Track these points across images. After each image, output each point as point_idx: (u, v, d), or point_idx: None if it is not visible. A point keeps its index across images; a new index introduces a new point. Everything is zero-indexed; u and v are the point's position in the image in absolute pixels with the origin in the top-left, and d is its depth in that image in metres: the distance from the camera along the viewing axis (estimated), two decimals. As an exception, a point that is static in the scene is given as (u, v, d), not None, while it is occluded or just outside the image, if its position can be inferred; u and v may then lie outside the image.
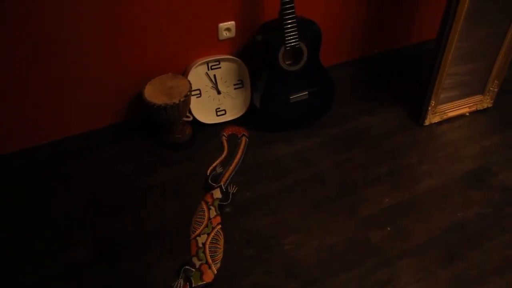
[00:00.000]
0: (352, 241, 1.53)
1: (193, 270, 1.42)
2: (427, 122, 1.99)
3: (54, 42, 1.61)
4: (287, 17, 1.66)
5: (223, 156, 1.82)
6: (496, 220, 1.61)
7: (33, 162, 1.81)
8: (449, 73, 1.88)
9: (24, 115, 1.74)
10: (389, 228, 1.58)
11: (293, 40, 1.71)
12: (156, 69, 1.84)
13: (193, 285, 1.38)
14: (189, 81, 1.79)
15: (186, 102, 1.75)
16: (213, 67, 1.89)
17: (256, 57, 1.87)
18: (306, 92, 1.86)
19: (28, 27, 1.54)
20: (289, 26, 1.68)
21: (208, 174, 1.74)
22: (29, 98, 1.71)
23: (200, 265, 1.44)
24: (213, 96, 1.94)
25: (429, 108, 1.95)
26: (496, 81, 2.03)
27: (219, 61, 1.88)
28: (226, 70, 1.91)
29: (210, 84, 1.92)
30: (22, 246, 1.51)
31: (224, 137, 1.91)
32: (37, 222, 1.59)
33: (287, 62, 1.78)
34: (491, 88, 2.05)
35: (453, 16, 1.69)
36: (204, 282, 1.40)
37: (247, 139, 1.89)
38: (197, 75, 1.87)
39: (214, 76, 1.91)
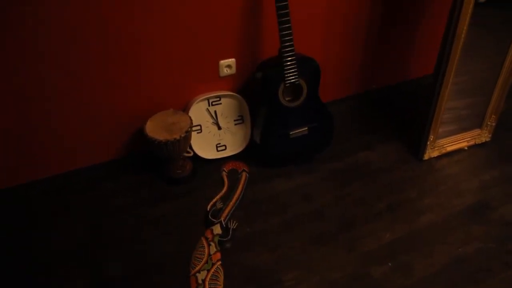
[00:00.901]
0: (353, 277, 1.52)
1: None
2: (426, 157, 2.00)
3: (55, 78, 1.64)
4: (286, 54, 1.70)
5: (223, 191, 1.83)
6: (499, 255, 1.59)
7: (33, 196, 1.81)
8: (447, 108, 1.90)
9: (25, 150, 1.76)
10: (390, 264, 1.56)
11: (293, 77, 1.74)
12: (157, 105, 1.87)
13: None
14: (190, 117, 1.81)
15: (187, 138, 1.76)
16: (213, 103, 1.91)
17: (256, 93, 1.90)
18: (306, 128, 1.88)
19: (29, 63, 1.58)
20: (288, 63, 1.71)
21: (208, 209, 1.74)
22: (31, 133, 1.73)
23: (200, 302, 1.42)
24: (213, 132, 1.96)
25: (428, 143, 1.96)
26: (493, 116, 2.05)
27: (219, 97, 1.92)
28: (226, 106, 1.94)
29: (211, 120, 1.94)
30: (20, 280, 1.50)
31: (224, 173, 1.91)
32: (36, 255, 1.58)
33: (286, 98, 1.81)
34: (488, 123, 2.07)
35: (449, 51, 1.72)
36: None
37: (247, 175, 1.90)
38: (198, 111, 1.90)
39: (215, 112, 1.93)
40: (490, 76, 1.96)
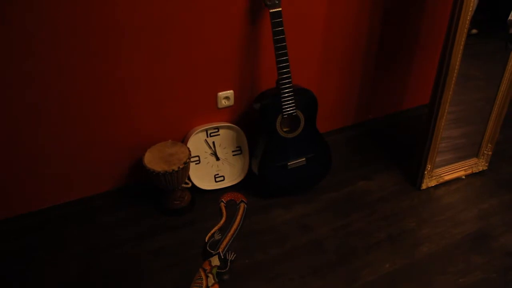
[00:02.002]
0: (353, 310, 1.50)
1: None
2: (424, 186, 2.01)
3: (50, 109, 1.66)
4: (284, 86, 1.73)
5: (221, 222, 1.82)
6: (501, 286, 1.58)
7: (28, 228, 1.79)
8: (443, 137, 1.92)
9: (20, 181, 1.76)
10: (390, 296, 1.55)
11: (290, 108, 1.76)
12: (156, 136, 1.88)
13: None
14: (188, 148, 1.82)
15: (186, 169, 1.77)
16: (212, 134, 1.93)
17: (254, 124, 1.92)
18: (304, 159, 1.89)
19: (25, 95, 1.60)
20: (286, 94, 1.74)
21: (206, 241, 1.73)
22: (28, 164, 1.73)
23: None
24: (212, 163, 1.96)
25: (425, 172, 1.97)
26: (489, 145, 2.07)
27: (218, 128, 1.93)
28: (225, 137, 1.95)
29: (209, 151, 1.95)
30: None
31: (222, 203, 1.91)
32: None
33: (284, 129, 1.83)
34: (485, 152, 2.09)
35: (444, 82, 1.75)
36: None
37: (245, 205, 1.90)
38: (197, 142, 1.91)
39: (213, 143, 1.94)
40: (484, 105, 1.99)
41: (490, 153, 2.10)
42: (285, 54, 1.68)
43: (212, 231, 1.77)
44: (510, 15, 1.94)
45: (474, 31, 1.92)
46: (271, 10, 1.63)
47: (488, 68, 1.95)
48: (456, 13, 1.62)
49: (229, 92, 1.93)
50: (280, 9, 1.64)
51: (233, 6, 1.73)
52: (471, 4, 1.61)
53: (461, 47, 1.69)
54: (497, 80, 1.91)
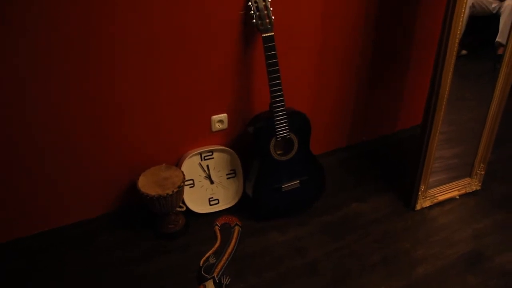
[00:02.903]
0: (349, 334, 1.49)
1: None
2: (418, 207, 2.01)
3: (49, 134, 1.67)
4: (277, 109, 1.74)
5: (216, 246, 1.81)
6: (496, 307, 1.58)
7: (25, 252, 1.78)
8: (436, 157, 1.94)
9: (16, 204, 1.75)
10: (387, 319, 1.54)
11: (284, 131, 1.78)
12: (150, 159, 1.88)
13: None
14: (182, 172, 1.82)
15: (180, 193, 1.77)
16: (206, 158, 1.93)
17: (248, 147, 1.93)
18: (298, 181, 1.90)
19: (22, 118, 1.60)
20: (279, 117, 1.75)
21: (201, 265, 1.72)
22: (22, 188, 1.73)
23: None
24: (206, 186, 1.96)
25: (419, 193, 1.98)
26: (482, 165, 2.08)
27: (212, 151, 1.94)
28: (219, 160, 1.95)
29: (203, 174, 1.95)
30: None
31: (217, 227, 1.90)
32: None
33: (278, 152, 1.84)
34: (478, 171, 2.10)
35: (436, 102, 1.77)
36: None
37: (240, 229, 1.89)
38: (191, 166, 1.91)
39: (207, 166, 1.95)
40: (476, 125, 2.01)
41: (482, 173, 2.11)
42: (278, 78, 1.70)
43: (207, 255, 1.76)
44: (497, 37, 1.98)
45: (463, 52, 1.95)
46: (264, 35, 1.66)
47: (478, 89, 1.98)
48: (445, 36, 1.65)
49: (223, 116, 1.95)
50: (272, 33, 1.67)
51: (227, 31, 1.76)
52: (460, 27, 1.64)
53: (451, 68, 1.71)
54: (487, 100, 1.94)
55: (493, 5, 2.06)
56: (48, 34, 1.48)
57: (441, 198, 2.06)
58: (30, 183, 1.73)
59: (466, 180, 2.12)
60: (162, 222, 1.84)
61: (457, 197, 2.10)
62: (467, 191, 2.12)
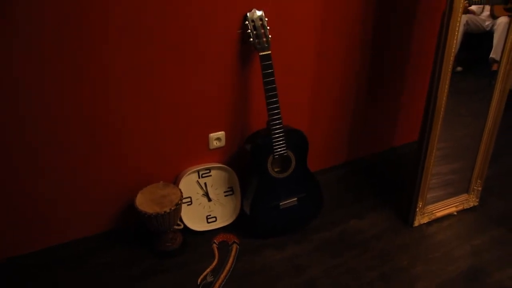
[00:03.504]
0: None
1: None
2: (416, 223, 2.01)
3: (49, 153, 1.67)
4: (274, 127, 1.75)
5: (214, 264, 1.80)
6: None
7: (21, 272, 1.76)
8: (433, 173, 1.94)
9: (12, 223, 1.74)
10: (386, 337, 1.53)
11: (281, 149, 1.78)
12: (147, 177, 1.88)
13: None
14: (180, 189, 1.82)
15: (177, 210, 1.76)
16: (203, 175, 1.93)
17: (246, 165, 1.93)
18: (295, 198, 1.90)
19: (19, 138, 1.61)
20: (276, 135, 1.76)
21: (199, 283, 1.70)
22: (18, 207, 1.72)
23: None
24: (203, 204, 1.96)
25: (417, 210, 1.98)
26: (479, 181, 2.09)
27: (209, 169, 1.94)
28: (216, 178, 1.95)
29: (201, 192, 1.95)
30: None
31: (215, 245, 1.89)
32: None
33: (275, 170, 1.84)
34: (475, 187, 2.11)
35: (432, 119, 1.79)
36: None
37: (238, 246, 1.88)
38: (188, 183, 1.91)
39: (205, 184, 1.95)
40: (472, 141, 2.02)
41: (480, 188, 2.11)
42: (275, 96, 1.71)
43: (205, 273, 1.75)
44: (491, 53, 2.01)
45: (459, 68, 1.97)
46: (261, 53, 1.68)
47: (474, 104, 1.99)
48: (440, 53, 1.67)
49: (221, 133, 1.95)
50: (269, 52, 1.68)
51: (225, 49, 1.78)
52: (454, 44, 1.66)
53: (447, 85, 1.73)
54: (483, 116, 1.95)
55: (487, 23, 2.09)
56: (46, 59, 1.49)
57: (439, 214, 2.06)
58: (26, 201, 1.72)
59: (463, 196, 2.12)
60: (159, 240, 1.83)
61: (455, 213, 2.10)
62: (465, 207, 2.12)
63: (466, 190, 2.12)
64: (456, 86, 1.79)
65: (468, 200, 2.13)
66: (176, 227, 1.84)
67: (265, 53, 1.68)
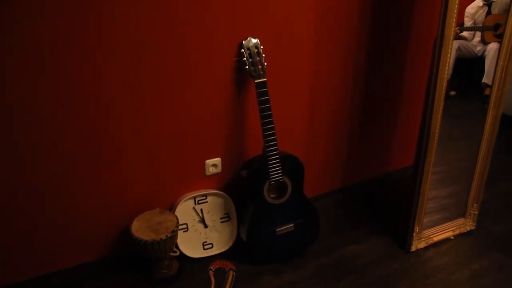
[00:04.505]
0: None
1: None
2: (413, 248, 2.00)
3: (42, 177, 1.66)
4: (270, 153, 1.76)
5: (210, 292, 1.79)
6: None
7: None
8: (429, 198, 1.94)
9: (4, 252, 1.72)
10: None
11: (277, 175, 1.79)
12: (144, 204, 1.87)
13: None
14: (176, 216, 1.81)
15: (173, 237, 1.75)
16: (200, 202, 1.93)
17: (242, 191, 1.93)
18: (292, 224, 1.89)
19: (19, 168, 1.60)
20: (272, 161, 1.76)
21: (195, 312, 1.69)
22: (12, 234, 1.70)
23: None
24: (200, 230, 1.95)
25: (414, 234, 1.97)
26: (475, 204, 2.09)
27: (206, 195, 1.94)
28: (213, 204, 1.95)
29: (197, 218, 1.94)
30: None
31: (211, 272, 1.88)
32: None
33: (272, 196, 1.84)
34: (471, 211, 2.11)
35: (427, 143, 1.80)
36: None
37: (234, 273, 1.86)
38: (184, 210, 1.91)
39: (201, 210, 1.94)
40: (467, 164, 2.03)
41: (476, 212, 2.12)
42: (271, 122, 1.73)
43: (201, 302, 1.73)
44: (483, 78, 2.04)
45: (452, 93, 2.00)
46: (257, 81, 1.70)
47: (468, 128, 2.01)
48: (433, 77, 1.69)
49: (217, 160, 1.96)
50: (265, 79, 1.70)
51: (221, 77, 1.80)
52: (447, 69, 1.68)
53: (441, 109, 1.75)
54: (477, 140, 1.97)
55: (478, 48, 2.13)
56: (45, 85, 1.51)
57: (436, 239, 2.05)
58: (21, 229, 1.71)
59: (460, 220, 2.12)
60: (155, 267, 1.82)
61: (452, 237, 2.10)
62: (462, 231, 2.12)
63: (463, 214, 2.12)
64: (450, 110, 1.81)
65: (465, 224, 2.13)
66: (172, 254, 1.83)
67: (260, 80, 1.70)
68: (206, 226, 1.96)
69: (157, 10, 1.58)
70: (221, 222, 1.98)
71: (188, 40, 1.68)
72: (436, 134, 1.79)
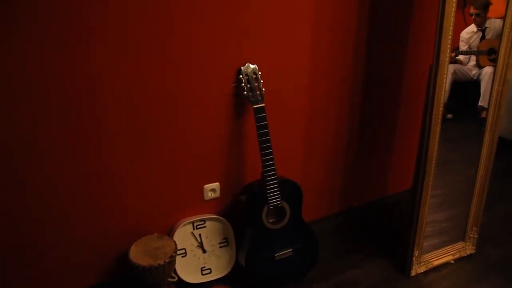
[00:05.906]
0: None
1: None
2: (413, 273, 1.99)
3: (39, 205, 1.65)
4: (269, 178, 1.76)
5: (209, 318, 1.77)
6: None
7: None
8: (428, 221, 1.94)
9: (8, 277, 1.71)
10: None
11: (276, 200, 1.78)
12: (142, 229, 1.86)
13: None
14: (174, 241, 1.80)
15: (171, 263, 1.74)
16: (198, 227, 1.92)
17: (241, 216, 1.92)
18: (291, 249, 1.88)
19: (16, 194, 1.60)
20: (271, 186, 1.77)
21: None
22: (16, 260, 1.69)
23: None
24: (198, 255, 1.94)
25: (414, 259, 1.96)
26: (474, 228, 2.09)
27: (204, 220, 1.93)
28: (211, 229, 1.94)
29: (196, 243, 1.93)
30: None
31: (210, 298, 1.87)
32: None
33: (270, 221, 1.84)
34: (471, 235, 2.10)
35: (425, 166, 1.80)
36: None
37: (233, 299, 1.85)
38: (183, 235, 1.90)
39: (200, 235, 1.93)
40: (465, 187, 2.03)
41: (476, 236, 2.11)
42: (269, 147, 1.73)
43: (199, 329, 1.71)
44: (479, 101, 2.06)
45: (449, 116, 2.02)
46: (255, 106, 1.71)
47: (465, 151, 2.02)
48: (430, 101, 1.71)
49: (215, 185, 1.96)
50: (263, 104, 1.72)
51: (219, 102, 1.81)
52: (443, 93, 1.70)
53: (438, 132, 1.76)
54: (475, 162, 1.97)
55: (473, 72, 2.15)
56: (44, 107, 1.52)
57: (436, 263, 2.04)
58: (20, 254, 1.69)
59: (460, 244, 2.11)
60: (153, 293, 1.81)
61: (452, 261, 2.09)
62: (462, 255, 2.11)
63: (462, 238, 2.11)
64: (447, 133, 1.82)
65: (464, 248, 2.11)
66: (170, 279, 1.81)
67: (259, 106, 1.72)
68: (204, 251, 1.95)
69: (156, 36, 1.61)
70: (220, 247, 1.97)
71: (186, 66, 1.70)
72: (434, 158, 1.80)
